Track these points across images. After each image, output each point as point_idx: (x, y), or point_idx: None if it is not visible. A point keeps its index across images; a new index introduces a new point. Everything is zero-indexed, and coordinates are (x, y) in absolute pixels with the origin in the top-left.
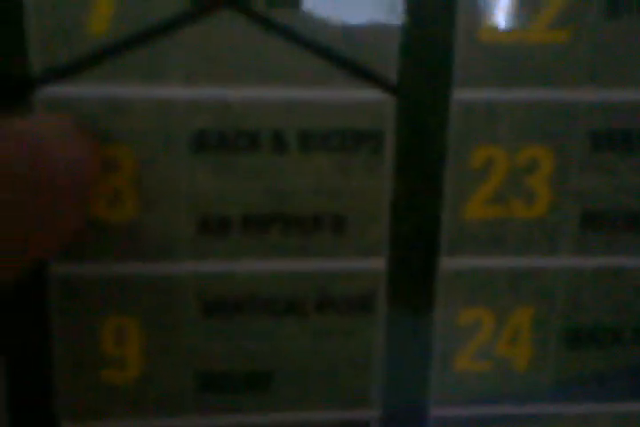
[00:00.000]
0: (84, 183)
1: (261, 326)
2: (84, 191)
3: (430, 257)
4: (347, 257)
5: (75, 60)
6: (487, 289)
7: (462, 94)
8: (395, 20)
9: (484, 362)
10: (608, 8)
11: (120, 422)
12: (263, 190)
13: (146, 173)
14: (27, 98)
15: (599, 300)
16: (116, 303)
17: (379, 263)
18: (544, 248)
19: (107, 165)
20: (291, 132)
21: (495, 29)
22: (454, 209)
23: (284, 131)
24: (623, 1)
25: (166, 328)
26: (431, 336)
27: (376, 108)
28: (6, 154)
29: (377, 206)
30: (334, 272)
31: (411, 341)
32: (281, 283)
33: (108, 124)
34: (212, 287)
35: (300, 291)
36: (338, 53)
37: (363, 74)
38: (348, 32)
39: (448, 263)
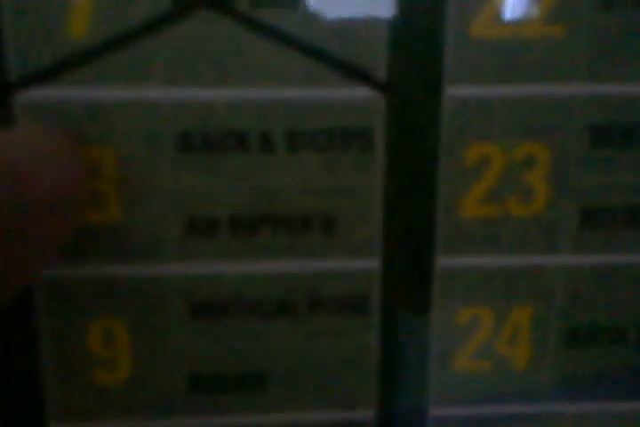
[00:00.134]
0: (70, 200)
1: (250, 327)
2: (70, 208)
3: (423, 256)
4: (337, 257)
5: (55, 63)
6: (484, 288)
7: (455, 90)
8: (384, 15)
9: (483, 361)
10: (603, 1)
11: (110, 423)
12: (251, 191)
13: (130, 174)
14: (6, 102)
15: (598, 298)
16: (103, 305)
17: (370, 263)
18: (542, 246)
19: (90, 167)
20: (278, 132)
21: (488, 24)
22: (449, 207)
23: (271, 130)
24: None
25: (154, 330)
26: (428, 336)
27: (365, 106)
28: None
29: (367, 206)
30: (325, 273)
31: (407, 341)
32: (270, 284)
33: (91, 126)
34: (199, 289)
35: (290, 292)
36: (325, 51)
37: (351, 71)
38: (336, 29)
39: (444, 262)
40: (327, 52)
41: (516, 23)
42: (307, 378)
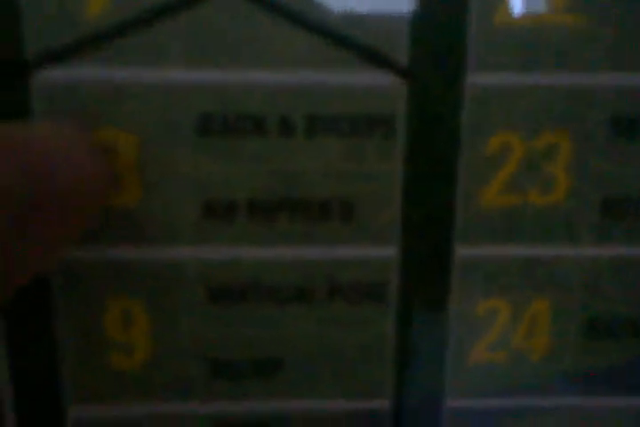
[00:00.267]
0: (91, 197)
1: (267, 313)
2: (90, 205)
3: (442, 245)
4: (356, 244)
5: (72, 44)
6: (503, 278)
7: (477, 78)
8: (406, 2)
9: (500, 353)
10: None
11: (127, 407)
12: (269, 175)
13: (148, 157)
14: (23, 83)
15: (618, 290)
16: (120, 288)
17: (388, 251)
18: (561, 237)
19: (107, 149)
20: (298, 116)
21: (510, 12)
22: (469, 196)
23: (291, 115)
24: None
25: (171, 314)
26: (445, 326)
27: (387, 92)
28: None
29: (387, 193)
30: (343, 260)
31: (423, 331)
32: (288, 270)
33: (107, 108)
34: (217, 274)
35: (308, 278)
36: (347, 36)
37: (372, 57)
38: (358, 14)
39: (462, 252)
40: (348, 37)
41: (539, 12)
42: (323, 365)
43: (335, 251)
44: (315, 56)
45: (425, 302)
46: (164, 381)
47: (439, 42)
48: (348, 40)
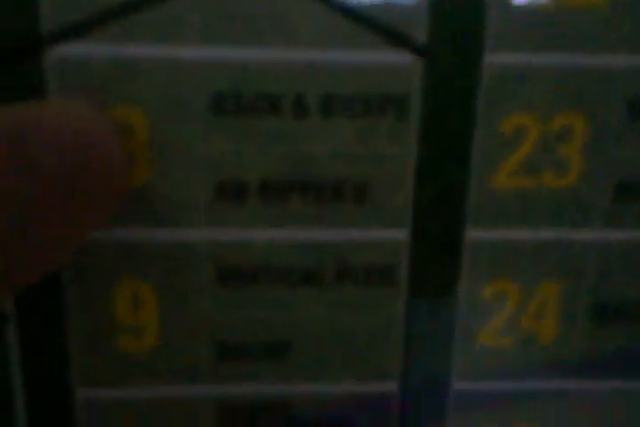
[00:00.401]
0: (108, 178)
1: (278, 295)
2: (107, 187)
3: (454, 227)
4: (368, 226)
5: (87, 19)
6: (513, 261)
7: (494, 58)
8: None
9: (508, 336)
10: None
11: (136, 390)
12: (283, 156)
13: (160, 136)
14: (37, 58)
15: (628, 274)
16: (129, 270)
17: (401, 233)
18: (574, 220)
19: (121, 127)
20: (312, 96)
21: None
22: (482, 178)
23: (306, 94)
24: None
25: (181, 296)
26: (454, 309)
27: (403, 72)
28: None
29: (401, 174)
30: (355, 242)
31: (433, 313)
32: (299, 252)
33: (120, 84)
34: (227, 255)
35: (318, 260)
36: (363, 14)
37: (389, 35)
38: None
39: (473, 234)
40: (367, 15)
41: None
42: (332, 348)
43: (347, 233)
44: (333, 34)
45: (435, 284)
46: (173, 363)
47: (458, 21)
48: (366, 18)
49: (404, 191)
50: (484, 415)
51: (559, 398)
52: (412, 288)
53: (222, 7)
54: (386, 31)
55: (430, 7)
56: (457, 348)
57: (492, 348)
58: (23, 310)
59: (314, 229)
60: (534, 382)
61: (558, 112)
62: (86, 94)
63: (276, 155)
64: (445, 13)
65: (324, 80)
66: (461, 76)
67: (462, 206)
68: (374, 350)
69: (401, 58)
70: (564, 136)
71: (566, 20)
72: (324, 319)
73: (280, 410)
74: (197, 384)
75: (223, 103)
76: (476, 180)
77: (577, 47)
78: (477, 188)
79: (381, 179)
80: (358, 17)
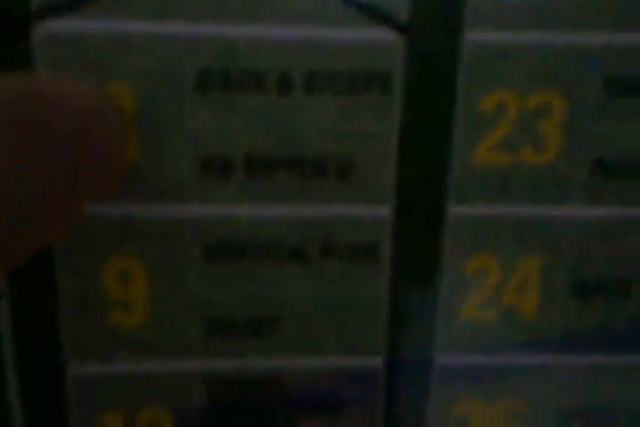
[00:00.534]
0: (108, 155)
1: (264, 271)
2: (106, 164)
3: (437, 204)
4: (352, 203)
5: None
6: (494, 237)
7: (475, 35)
8: None
9: (490, 311)
10: None
11: (126, 365)
12: (267, 132)
13: (146, 112)
14: (26, 33)
15: (607, 250)
16: (118, 246)
17: (383, 210)
18: (553, 196)
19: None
20: (297, 73)
21: None
22: (463, 154)
23: (291, 71)
24: None
25: (169, 272)
26: (437, 285)
27: (385, 49)
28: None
29: (384, 151)
30: (339, 218)
31: (416, 289)
32: (284, 228)
33: (110, 60)
34: (214, 232)
35: (303, 237)
36: None
37: (372, 12)
38: None
39: (456, 210)
40: None
41: None
42: (319, 324)
43: (332, 209)
44: (317, 12)
45: (419, 260)
46: (163, 339)
47: None
48: None
49: (388, 168)
50: (469, 389)
51: (542, 372)
52: (396, 265)
53: None
54: (368, 9)
55: None
56: (440, 323)
57: (474, 323)
58: (15, 283)
59: (299, 205)
60: (517, 357)
61: (537, 89)
62: (75, 72)
63: (262, 131)
64: None
65: (308, 57)
66: (443, 53)
67: (445, 182)
68: (360, 326)
69: (384, 35)
70: (543, 113)
71: None
72: (311, 295)
73: (269, 384)
74: (187, 359)
75: (210, 79)
76: (457, 156)
77: (557, 25)
78: (459, 164)
79: (366, 155)
80: None
